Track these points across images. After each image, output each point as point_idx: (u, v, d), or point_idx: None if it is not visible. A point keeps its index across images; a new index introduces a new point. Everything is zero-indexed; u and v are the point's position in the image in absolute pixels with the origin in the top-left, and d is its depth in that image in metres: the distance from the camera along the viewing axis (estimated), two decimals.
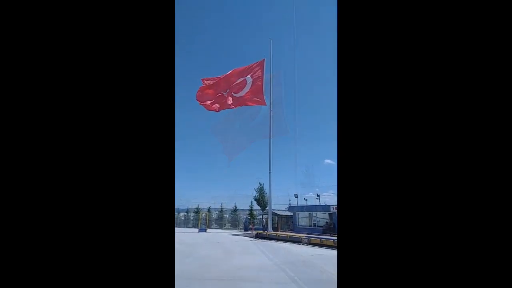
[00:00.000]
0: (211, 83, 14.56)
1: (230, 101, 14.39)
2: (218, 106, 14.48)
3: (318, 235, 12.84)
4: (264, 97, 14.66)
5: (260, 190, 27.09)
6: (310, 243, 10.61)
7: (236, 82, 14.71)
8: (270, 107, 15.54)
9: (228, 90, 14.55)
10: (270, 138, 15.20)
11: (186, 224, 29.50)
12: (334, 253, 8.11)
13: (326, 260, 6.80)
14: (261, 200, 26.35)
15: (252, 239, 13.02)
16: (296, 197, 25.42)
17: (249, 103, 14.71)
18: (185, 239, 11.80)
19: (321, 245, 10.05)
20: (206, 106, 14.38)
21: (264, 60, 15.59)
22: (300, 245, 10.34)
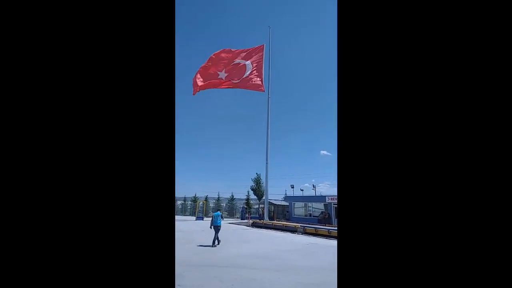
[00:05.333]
0: (207, 65, 13.94)
1: (226, 84, 13.92)
2: (207, 83, 13.61)
3: (313, 224, 13.10)
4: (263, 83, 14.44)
5: (257, 180, 27.33)
6: (305, 232, 10.84)
7: (235, 63, 14.26)
8: (268, 94, 15.41)
9: (224, 71, 13.98)
10: (267, 128, 15.17)
11: (183, 212, 29.85)
12: (328, 242, 8.30)
13: (321, 248, 6.96)
14: (258, 189, 26.64)
15: (248, 227, 13.25)
16: (292, 187, 25.79)
17: (247, 87, 14.40)
18: (182, 227, 11.97)
19: (316, 234, 10.28)
20: (200, 88, 13.50)
21: (263, 45, 15.31)
22: (295, 234, 10.56)
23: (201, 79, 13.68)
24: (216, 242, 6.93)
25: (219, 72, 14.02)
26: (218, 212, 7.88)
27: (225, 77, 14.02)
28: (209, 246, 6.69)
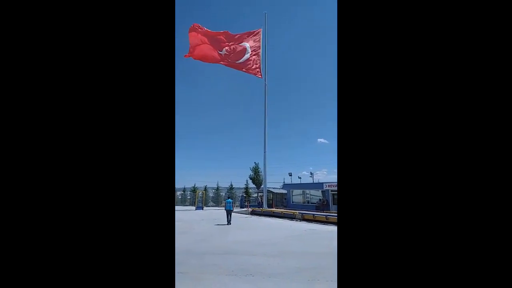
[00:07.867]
0: (205, 32, 13.60)
1: (225, 61, 13.77)
2: (206, 57, 13.58)
3: (311, 211, 13.33)
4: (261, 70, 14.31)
5: (255, 169, 27.51)
6: (303, 219, 11.05)
7: (233, 47, 14.03)
8: (265, 81, 15.22)
9: (224, 51, 13.76)
10: (265, 116, 15.11)
11: (183, 202, 30.14)
12: (326, 228, 8.48)
13: (319, 234, 7.12)
14: (256, 178, 26.88)
15: (248, 215, 13.47)
16: (290, 175, 26.10)
17: (246, 71, 14.26)
18: (182, 216, 12.12)
19: (313, 220, 10.49)
20: (195, 52, 13.33)
21: (260, 30, 15.01)
22: (294, 221, 10.76)
23: (199, 42, 13.28)
24: (230, 222, 9.27)
25: (219, 51, 13.79)
26: (229, 199, 10.47)
27: (225, 55, 13.74)
28: (206, 236, 6.82)
